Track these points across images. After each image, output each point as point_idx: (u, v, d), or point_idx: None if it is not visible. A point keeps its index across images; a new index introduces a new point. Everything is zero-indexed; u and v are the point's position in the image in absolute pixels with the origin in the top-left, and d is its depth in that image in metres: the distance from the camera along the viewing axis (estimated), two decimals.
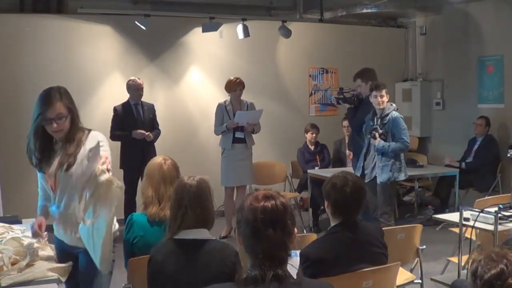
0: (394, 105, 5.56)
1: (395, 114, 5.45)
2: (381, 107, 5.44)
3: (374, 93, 5.45)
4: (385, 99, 5.45)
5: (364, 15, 8.28)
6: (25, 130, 2.91)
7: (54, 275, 2.73)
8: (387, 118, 5.45)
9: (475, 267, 1.70)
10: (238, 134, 6.54)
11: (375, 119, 5.52)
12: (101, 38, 7.21)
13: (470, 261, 1.74)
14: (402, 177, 5.50)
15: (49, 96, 2.81)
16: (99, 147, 2.80)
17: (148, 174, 3.20)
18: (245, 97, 6.71)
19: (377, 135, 5.45)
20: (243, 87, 6.59)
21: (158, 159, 3.24)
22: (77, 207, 2.75)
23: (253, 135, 6.71)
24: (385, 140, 5.42)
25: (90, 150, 2.80)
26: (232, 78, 6.62)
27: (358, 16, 8.31)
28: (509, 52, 7.34)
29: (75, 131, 2.87)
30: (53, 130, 2.83)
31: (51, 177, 2.89)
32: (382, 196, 5.42)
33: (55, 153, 2.90)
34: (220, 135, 6.63)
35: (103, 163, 2.67)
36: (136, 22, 6.99)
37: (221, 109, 6.59)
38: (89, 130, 2.96)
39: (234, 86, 6.54)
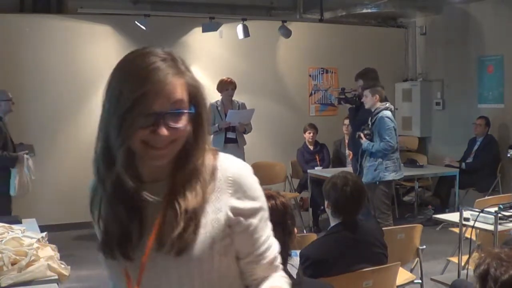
0: (387, 104, 5.48)
1: (382, 113, 5.37)
2: (366, 106, 5.48)
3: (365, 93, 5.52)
4: (369, 99, 5.45)
5: (364, 15, 8.28)
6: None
7: (54, 275, 2.73)
8: (375, 117, 5.43)
9: (485, 269, 1.62)
10: (230, 135, 6.54)
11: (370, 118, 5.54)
12: (101, 38, 7.21)
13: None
14: (390, 176, 5.37)
15: (152, 64, 1.28)
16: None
17: None
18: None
19: (362, 135, 5.45)
20: (235, 87, 6.58)
21: None
22: None
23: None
24: (371, 140, 5.41)
25: (241, 223, 1.29)
26: (223, 78, 6.63)
27: (358, 16, 8.30)
28: (509, 52, 7.34)
29: (198, 152, 1.30)
30: (160, 145, 1.24)
31: (135, 267, 1.27)
32: (371, 196, 5.40)
33: (145, 211, 1.27)
34: (212, 135, 6.64)
35: None
36: (136, 22, 6.99)
37: (213, 109, 6.60)
38: (216, 153, 1.36)
39: (225, 86, 6.53)
